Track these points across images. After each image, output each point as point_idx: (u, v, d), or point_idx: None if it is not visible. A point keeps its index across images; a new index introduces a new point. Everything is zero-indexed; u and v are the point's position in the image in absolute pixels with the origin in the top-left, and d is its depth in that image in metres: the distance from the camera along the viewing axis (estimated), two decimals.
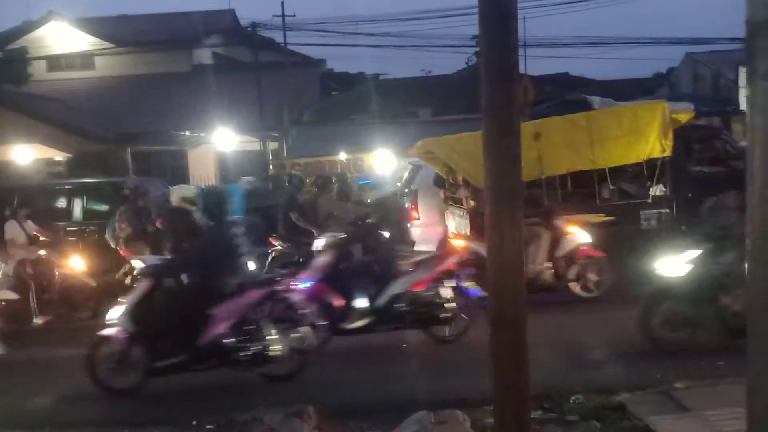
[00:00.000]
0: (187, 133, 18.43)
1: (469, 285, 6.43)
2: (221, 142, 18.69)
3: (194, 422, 4.46)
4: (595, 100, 10.00)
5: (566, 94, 15.00)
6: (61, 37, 23.08)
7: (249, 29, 23.01)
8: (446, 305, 6.08)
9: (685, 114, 9.07)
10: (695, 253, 5.17)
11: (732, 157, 8.83)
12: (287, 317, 5.41)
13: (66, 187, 10.49)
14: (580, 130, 8.29)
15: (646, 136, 8.08)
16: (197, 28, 22.44)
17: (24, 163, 15.52)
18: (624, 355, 5.34)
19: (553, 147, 8.16)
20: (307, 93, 23.71)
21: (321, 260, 6.24)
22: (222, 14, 25.88)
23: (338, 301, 6.00)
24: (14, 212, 7.90)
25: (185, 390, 5.27)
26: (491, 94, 3.12)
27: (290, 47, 24.50)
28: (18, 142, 15.64)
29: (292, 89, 21.26)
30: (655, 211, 8.19)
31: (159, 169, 17.39)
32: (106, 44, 22.62)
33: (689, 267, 5.13)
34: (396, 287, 6.10)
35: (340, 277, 6.19)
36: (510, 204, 3.05)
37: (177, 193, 7.13)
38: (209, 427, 4.36)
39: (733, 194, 5.53)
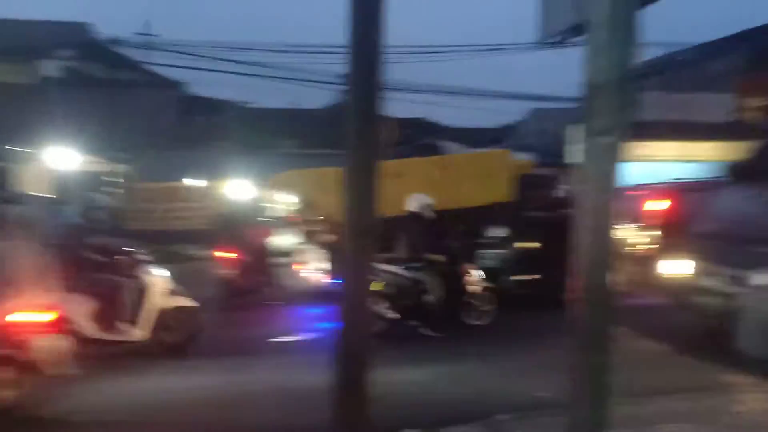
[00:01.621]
0: (18, 148, 16.59)
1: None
2: (59, 161, 17.03)
3: None
4: (447, 145, 10.62)
5: (423, 138, 15.72)
6: None
7: (105, 44, 21.53)
8: None
9: (525, 163, 9.93)
10: None
11: (563, 204, 9.74)
12: None
13: None
14: (437, 172, 8.72)
15: (493, 181, 8.70)
16: (45, 38, 20.59)
17: None
18: (451, 387, 5.57)
19: (412, 186, 8.47)
20: (165, 115, 22.57)
21: None
22: (74, 27, 23.99)
23: None
24: None
25: None
26: (354, 132, 3.16)
27: (152, 68, 23.29)
28: None
29: (148, 110, 20.13)
30: (493, 251, 8.75)
31: None
32: None
33: None
34: None
35: None
36: (366, 240, 3.08)
37: None
38: None
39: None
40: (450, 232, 8.43)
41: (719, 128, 16.34)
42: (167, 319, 6.62)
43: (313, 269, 9.05)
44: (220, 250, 9.53)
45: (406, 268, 7.52)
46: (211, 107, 27.68)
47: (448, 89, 25.66)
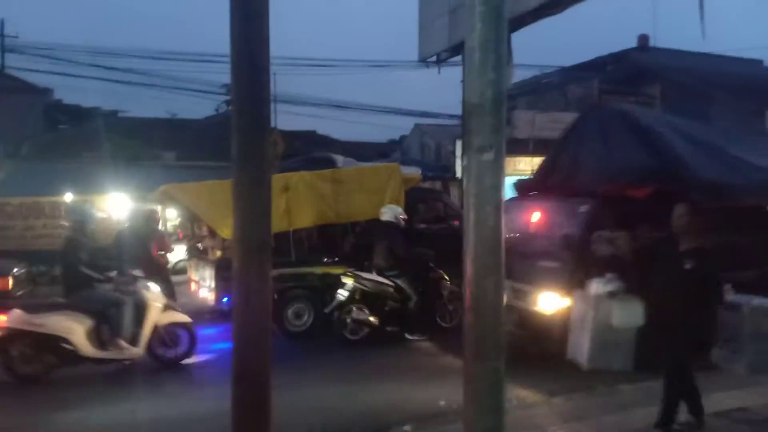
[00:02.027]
0: None
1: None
2: None
3: None
4: (339, 158, 10.69)
5: (313, 151, 15.72)
6: None
7: None
8: None
9: (414, 177, 10.21)
10: None
11: (450, 217, 10.16)
12: None
13: None
14: (326, 186, 8.72)
15: (384, 195, 8.85)
16: None
17: None
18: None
19: (300, 200, 8.42)
20: (27, 124, 20.70)
21: None
22: None
23: None
24: None
25: None
26: (242, 145, 3.07)
27: (11, 71, 21.30)
28: None
29: (8, 118, 18.37)
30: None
31: None
32: None
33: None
34: None
35: None
36: (259, 256, 3.00)
37: None
38: None
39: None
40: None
41: None
42: (163, 334, 6.69)
43: (206, 286, 8.71)
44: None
45: (386, 275, 7.84)
46: (80, 115, 25.77)
47: (337, 103, 25.87)
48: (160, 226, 10.31)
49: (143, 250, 8.22)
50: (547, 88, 21.96)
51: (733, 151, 6.94)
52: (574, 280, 5.97)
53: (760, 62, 24.46)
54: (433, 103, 31.84)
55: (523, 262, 6.46)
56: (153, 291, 6.80)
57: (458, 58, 9.92)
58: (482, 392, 2.50)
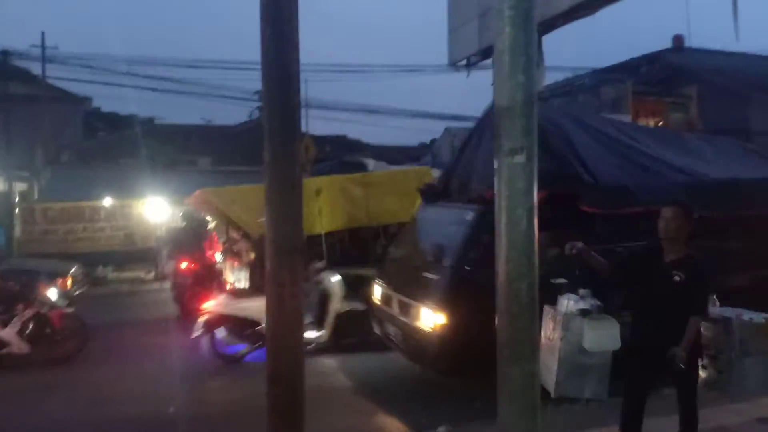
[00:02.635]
0: None
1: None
2: None
3: None
4: (370, 162, 10.75)
5: (344, 155, 15.85)
6: None
7: None
8: None
9: None
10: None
11: None
12: None
13: None
14: (358, 189, 8.79)
15: (415, 198, 8.87)
16: None
17: None
18: (392, 400, 5.60)
19: (333, 204, 8.49)
20: (67, 132, 21.36)
21: None
22: None
23: None
24: None
25: None
26: (274, 150, 3.14)
27: (51, 82, 22.00)
28: None
29: (49, 126, 18.98)
30: None
31: None
32: None
33: None
34: None
35: None
36: (291, 258, 3.05)
37: None
38: None
39: None
40: None
41: None
42: (342, 321, 7.20)
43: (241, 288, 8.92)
44: (179, 264, 9.66)
45: None
46: (118, 122, 26.50)
47: (367, 108, 26.04)
48: (208, 228, 10.70)
49: (198, 249, 8.64)
50: (580, 90, 21.68)
51: (659, 154, 6.24)
52: (450, 293, 5.25)
53: None
54: (464, 107, 31.78)
55: (409, 273, 5.97)
56: (335, 281, 7.34)
57: (489, 61, 9.91)
58: (517, 394, 2.50)
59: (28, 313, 7.16)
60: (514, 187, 2.47)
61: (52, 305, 7.48)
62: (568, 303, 4.88)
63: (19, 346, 6.99)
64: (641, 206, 5.22)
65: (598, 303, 4.81)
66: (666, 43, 22.57)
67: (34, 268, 9.92)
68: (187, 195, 9.96)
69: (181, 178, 16.51)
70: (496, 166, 2.54)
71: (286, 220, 3.06)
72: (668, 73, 19.80)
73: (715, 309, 5.14)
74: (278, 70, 3.14)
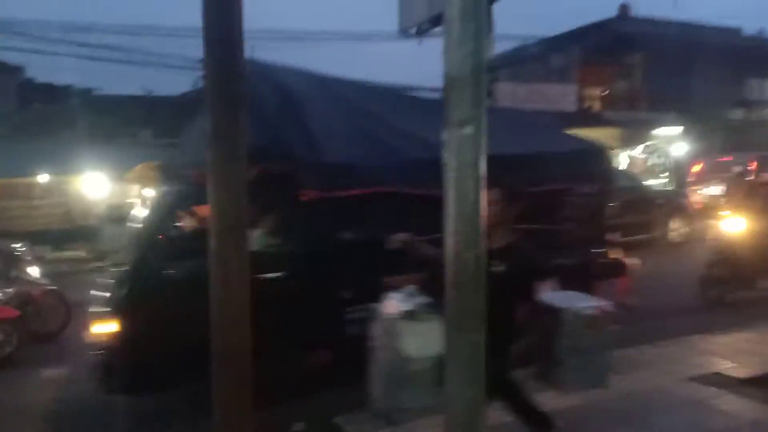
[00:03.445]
0: None
1: None
2: None
3: None
4: None
5: None
6: None
7: None
8: None
9: None
10: None
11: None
12: None
13: None
14: None
15: None
16: None
17: None
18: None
19: None
20: (1, 103, 20.16)
21: None
22: None
23: None
24: None
25: None
26: (216, 121, 3.02)
27: None
28: None
29: None
30: None
31: None
32: None
33: None
34: None
35: None
36: (235, 234, 2.95)
37: None
38: None
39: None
40: None
41: (568, 116, 17.86)
42: None
43: None
44: None
45: None
46: (53, 94, 25.16)
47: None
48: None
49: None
50: (529, 59, 21.88)
51: (403, 125, 5.54)
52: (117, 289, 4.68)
53: (738, 30, 24.58)
54: (415, 76, 31.64)
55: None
56: None
57: (440, 29, 9.79)
58: (463, 365, 2.52)
59: (10, 291, 6.92)
60: (463, 159, 2.44)
61: (34, 282, 7.23)
62: (391, 304, 4.22)
63: None
64: (365, 187, 4.75)
65: (427, 301, 4.10)
66: (613, 11, 22.94)
67: None
68: (128, 169, 9.57)
69: (122, 151, 15.86)
70: (445, 137, 2.49)
71: (231, 195, 2.95)
72: (614, 41, 20.21)
73: (548, 296, 4.36)
74: (219, 33, 2.99)
